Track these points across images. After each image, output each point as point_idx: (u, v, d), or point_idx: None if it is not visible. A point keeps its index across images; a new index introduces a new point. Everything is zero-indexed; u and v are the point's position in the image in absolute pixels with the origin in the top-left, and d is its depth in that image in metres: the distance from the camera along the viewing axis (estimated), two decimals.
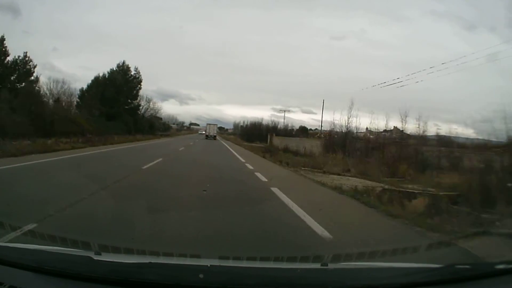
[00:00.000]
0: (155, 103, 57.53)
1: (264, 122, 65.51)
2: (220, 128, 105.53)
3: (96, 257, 1.82)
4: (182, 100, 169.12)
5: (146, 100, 55.11)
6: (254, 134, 57.17)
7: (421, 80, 24.08)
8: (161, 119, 75.45)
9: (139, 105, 51.28)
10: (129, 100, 48.25)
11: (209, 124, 63.25)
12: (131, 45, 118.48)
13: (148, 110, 55.69)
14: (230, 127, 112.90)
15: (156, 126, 60.11)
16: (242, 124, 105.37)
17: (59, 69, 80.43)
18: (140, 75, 48.99)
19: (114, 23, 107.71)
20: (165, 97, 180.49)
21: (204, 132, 63.79)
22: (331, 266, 2.09)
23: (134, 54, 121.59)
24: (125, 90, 46.04)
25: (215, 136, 58.45)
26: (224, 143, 46.28)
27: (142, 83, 48.87)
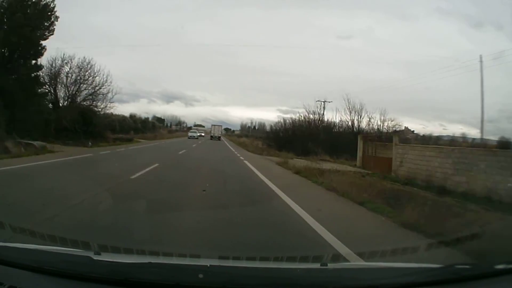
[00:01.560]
0: (98, 72, 26.90)
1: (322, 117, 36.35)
2: (227, 130, 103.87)
3: (95, 257, 1.82)
4: (187, 101, 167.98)
5: (80, 68, 26.14)
6: (298, 138, 31.54)
7: None
8: (158, 119, 66.96)
9: (40, 68, 21.70)
10: (22, 61, 20.24)
11: (214, 125, 64.49)
12: (134, 46, 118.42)
13: (87, 85, 26.62)
14: (236, 128, 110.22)
15: (102, 122, 28.70)
16: (249, 124, 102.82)
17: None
18: (55, 3, 20.84)
19: (115, 24, 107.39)
20: (170, 98, 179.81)
21: (194, 135, 55.74)
22: (330, 266, 2.09)
23: (137, 55, 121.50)
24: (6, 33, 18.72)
25: (219, 137, 59.12)
26: (244, 160, 19.50)
27: (57, 23, 20.94)
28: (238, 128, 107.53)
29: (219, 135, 60.30)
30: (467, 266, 1.93)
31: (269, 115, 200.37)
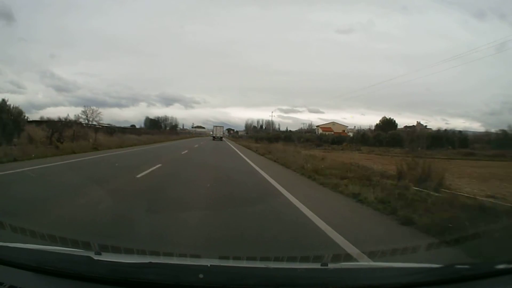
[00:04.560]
0: None
1: None
2: (229, 130, 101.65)
3: (96, 257, 1.82)
4: (187, 103, 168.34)
5: None
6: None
7: None
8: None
9: None
10: None
11: (216, 126, 68.57)
12: (133, 49, 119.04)
13: None
14: (239, 128, 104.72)
15: None
16: (255, 124, 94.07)
17: (59, 76, 77.93)
18: None
19: (114, 28, 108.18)
20: (170, 101, 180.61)
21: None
22: (331, 266, 2.09)
23: (136, 58, 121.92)
24: None
25: (221, 138, 63.00)
26: None
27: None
28: (242, 128, 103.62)
29: (221, 136, 64.42)
30: (467, 266, 1.93)
31: (269, 114, 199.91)
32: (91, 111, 41.16)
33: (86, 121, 38.93)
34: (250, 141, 53.19)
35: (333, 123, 77.84)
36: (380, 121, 65.59)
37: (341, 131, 70.54)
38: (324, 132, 69.04)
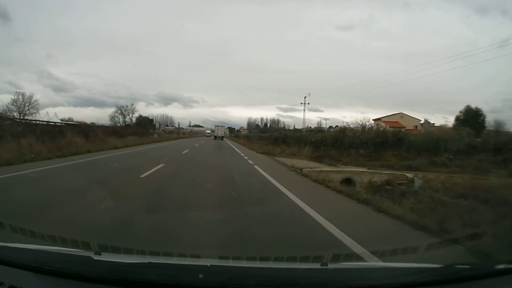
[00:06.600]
0: None
1: None
2: (231, 130, 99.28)
3: (96, 257, 1.82)
4: (186, 103, 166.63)
5: None
6: None
7: None
8: None
9: None
10: None
11: (217, 126, 70.58)
12: (131, 49, 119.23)
13: None
14: (238, 127, 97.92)
15: None
16: (258, 122, 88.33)
17: (56, 76, 76.50)
18: None
19: (111, 27, 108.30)
20: (168, 101, 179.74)
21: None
22: (331, 266, 2.09)
23: (134, 58, 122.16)
24: None
25: (222, 137, 64.41)
26: None
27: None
28: (244, 126, 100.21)
29: (222, 135, 66.07)
30: (467, 266, 1.93)
31: (268, 113, 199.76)
32: (24, 101, 28.34)
33: (18, 114, 27.52)
34: (298, 149, 25.36)
35: (401, 116, 55.98)
36: (461, 111, 45.60)
37: (412, 127, 50.31)
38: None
